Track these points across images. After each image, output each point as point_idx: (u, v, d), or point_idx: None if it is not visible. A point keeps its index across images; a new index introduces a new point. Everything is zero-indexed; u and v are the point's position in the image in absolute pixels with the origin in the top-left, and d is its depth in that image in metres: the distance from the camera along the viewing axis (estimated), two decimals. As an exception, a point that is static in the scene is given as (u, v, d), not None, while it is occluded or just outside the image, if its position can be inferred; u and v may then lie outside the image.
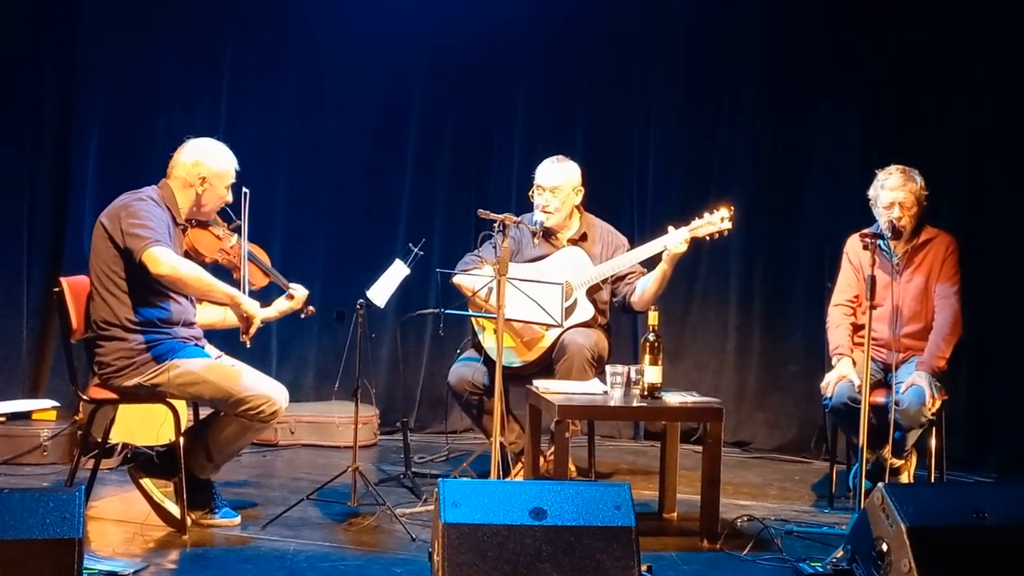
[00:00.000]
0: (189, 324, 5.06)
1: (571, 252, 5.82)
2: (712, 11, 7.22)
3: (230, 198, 5.11)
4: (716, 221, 5.61)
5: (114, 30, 6.91)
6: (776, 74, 7.14)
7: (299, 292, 5.24)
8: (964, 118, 6.81)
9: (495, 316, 4.92)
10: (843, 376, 5.45)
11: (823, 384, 5.53)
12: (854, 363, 5.49)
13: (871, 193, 5.59)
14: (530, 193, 5.86)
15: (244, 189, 5.07)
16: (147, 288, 4.85)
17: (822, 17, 7.02)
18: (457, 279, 5.81)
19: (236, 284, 5.01)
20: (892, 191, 5.50)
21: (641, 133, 7.34)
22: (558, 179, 5.78)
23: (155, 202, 4.93)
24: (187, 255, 5.06)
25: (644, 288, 5.71)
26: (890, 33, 6.89)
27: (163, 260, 4.71)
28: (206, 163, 5.03)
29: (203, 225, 5.14)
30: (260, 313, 4.90)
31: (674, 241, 5.56)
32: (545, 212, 5.78)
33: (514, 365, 5.68)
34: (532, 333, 5.69)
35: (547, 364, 5.68)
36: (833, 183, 7.01)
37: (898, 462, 5.51)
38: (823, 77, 7.07)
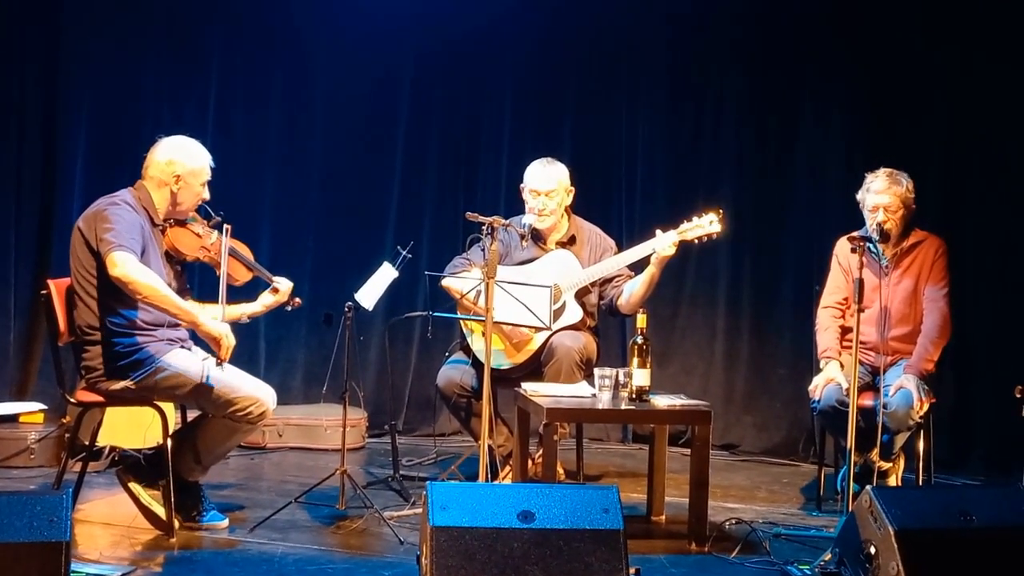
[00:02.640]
0: (175, 325, 5.02)
1: (560, 255, 5.82)
2: (696, 13, 7.22)
3: (207, 195, 5.09)
4: (705, 224, 5.61)
5: (100, 31, 6.89)
6: (759, 76, 7.16)
7: (284, 285, 5.24)
8: (944, 118, 6.84)
9: (483, 319, 4.91)
10: (831, 379, 5.45)
11: (811, 387, 5.54)
12: (842, 366, 5.50)
13: (859, 196, 5.59)
14: (524, 197, 5.85)
15: (226, 225, 5.08)
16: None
17: (804, 18, 7.04)
18: (446, 282, 5.81)
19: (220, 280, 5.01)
20: (877, 194, 5.51)
21: (629, 135, 7.34)
22: (552, 182, 5.78)
23: (129, 206, 4.90)
24: (168, 255, 5.04)
25: (632, 291, 5.71)
26: (871, 34, 6.91)
27: (119, 263, 4.68)
28: (180, 161, 5.01)
29: (182, 223, 5.12)
30: (225, 332, 4.82)
31: (662, 244, 5.56)
32: (541, 216, 5.78)
33: (503, 367, 5.68)
34: (521, 335, 5.69)
35: (536, 367, 5.68)
36: (819, 184, 7.03)
37: (886, 465, 5.51)
38: (806, 78, 7.09)
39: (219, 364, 4.83)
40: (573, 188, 5.87)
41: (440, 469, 6.23)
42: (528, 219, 5.74)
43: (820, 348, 5.68)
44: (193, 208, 5.11)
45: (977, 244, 6.75)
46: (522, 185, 5.87)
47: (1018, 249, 6.73)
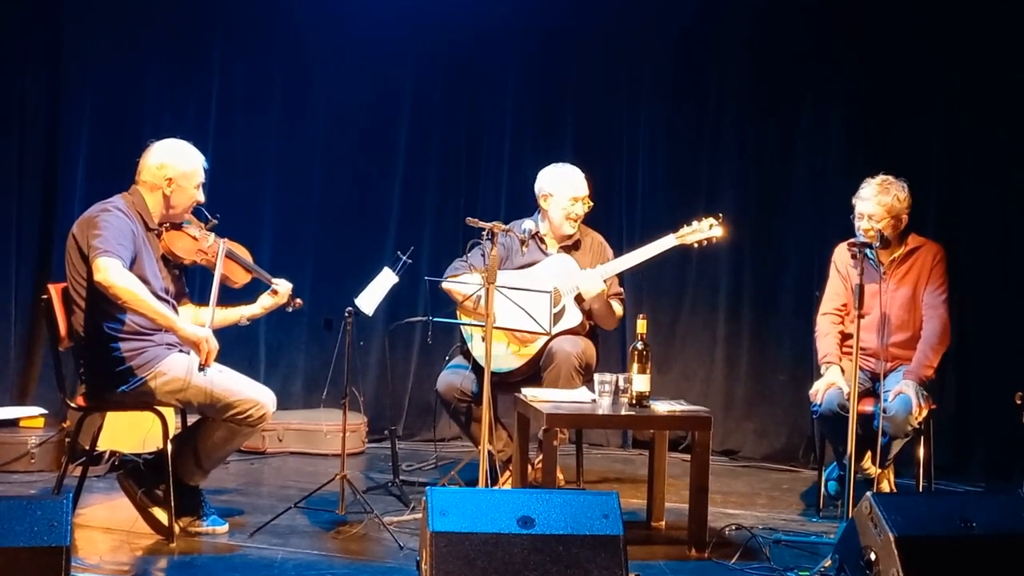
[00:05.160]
0: (173, 330, 5.03)
1: (560, 259, 5.83)
2: (697, 17, 7.22)
3: (201, 198, 5.08)
4: (704, 229, 5.67)
5: (101, 34, 6.89)
6: (760, 80, 7.15)
7: (283, 287, 5.24)
8: (944, 122, 6.85)
9: (483, 324, 4.91)
10: (832, 383, 5.45)
11: (812, 392, 5.54)
12: (842, 371, 5.50)
13: (853, 201, 5.61)
14: (556, 203, 5.86)
15: (222, 240, 5.08)
16: None
17: (805, 22, 7.03)
18: (446, 285, 5.81)
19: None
20: (863, 202, 5.52)
21: (630, 139, 7.33)
22: (586, 186, 5.85)
23: (121, 211, 4.89)
24: (165, 259, 5.04)
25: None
26: (872, 37, 6.91)
27: (102, 268, 4.67)
28: (171, 164, 5.00)
29: (178, 227, 5.12)
30: (205, 336, 4.76)
31: (587, 286, 5.67)
32: (578, 221, 5.84)
33: (502, 371, 5.68)
34: (524, 334, 5.68)
35: (535, 371, 5.69)
36: (820, 191, 7.03)
37: (876, 471, 5.50)
38: (807, 82, 7.08)
39: (201, 369, 4.79)
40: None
41: (440, 474, 6.22)
42: (528, 224, 5.74)
43: (820, 354, 5.69)
44: (188, 211, 5.10)
45: (976, 248, 6.76)
46: (548, 192, 5.86)
47: (1018, 254, 6.73)
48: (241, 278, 5.19)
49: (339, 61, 7.23)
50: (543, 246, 5.89)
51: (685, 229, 5.67)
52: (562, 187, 5.84)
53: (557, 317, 5.65)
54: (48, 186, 6.85)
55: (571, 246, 5.89)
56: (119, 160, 6.63)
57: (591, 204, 5.88)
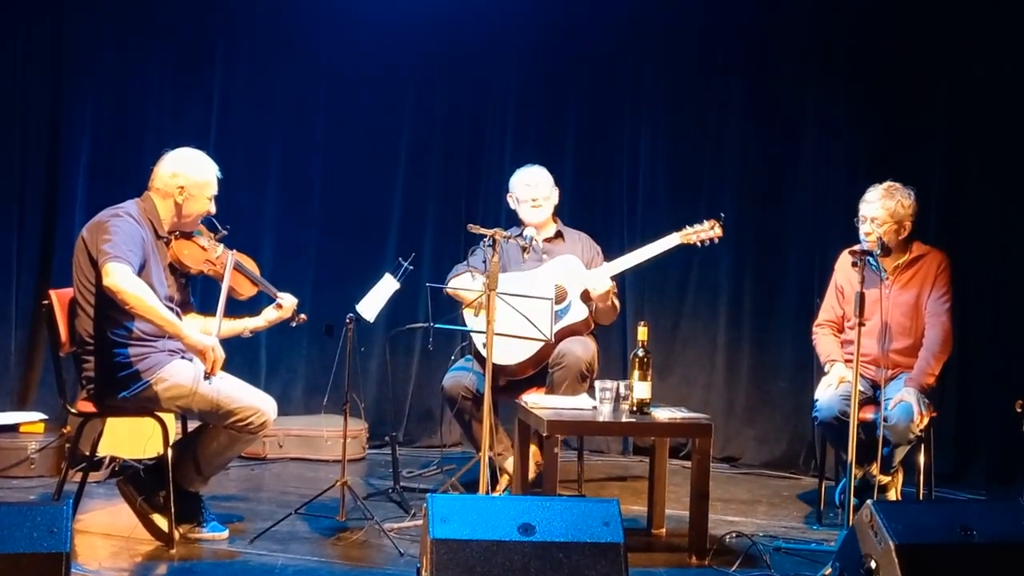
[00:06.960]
0: (176, 336, 5.02)
1: (566, 260, 5.85)
2: (699, 25, 7.22)
3: (213, 208, 5.08)
4: (706, 228, 5.76)
5: (103, 41, 6.90)
6: (762, 82, 7.15)
7: (287, 301, 5.24)
8: (946, 131, 6.85)
9: (484, 332, 4.91)
10: (843, 378, 5.46)
11: (817, 395, 5.55)
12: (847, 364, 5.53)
13: (859, 205, 5.62)
14: (516, 205, 5.88)
15: (230, 252, 5.09)
16: None
17: (807, 24, 7.05)
18: (450, 290, 5.84)
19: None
20: (867, 204, 5.54)
21: (631, 147, 7.32)
22: (547, 187, 5.87)
23: (132, 217, 4.89)
24: (172, 267, 5.04)
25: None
26: (872, 39, 6.91)
27: (110, 273, 4.67)
28: (185, 173, 5.01)
29: (188, 236, 5.12)
30: (212, 344, 4.77)
31: (594, 284, 5.69)
32: (538, 223, 5.85)
33: (512, 364, 5.68)
34: None
35: (542, 370, 5.70)
36: (821, 195, 7.02)
37: (885, 479, 5.51)
38: (808, 85, 7.08)
39: (207, 377, 4.79)
40: (557, 188, 5.97)
41: (443, 479, 6.22)
42: (530, 231, 5.77)
43: (823, 356, 5.72)
44: (199, 220, 5.11)
45: (978, 254, 6.76)
46: (511, 194, 5.92)
47: (1020, 259, 6.72)
48: (247, 291, 5.20)
49: (341, 67, 7.23)
50: (542, 250, 5.91)
51: (688, 229, 5.75)
52: (523, 190, 5.93)
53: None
54: (50, 192, 6.85)
55: (553, 236, 5.94)
56: (121, 165, 6.68)
57: (554, 201, 5.94)
